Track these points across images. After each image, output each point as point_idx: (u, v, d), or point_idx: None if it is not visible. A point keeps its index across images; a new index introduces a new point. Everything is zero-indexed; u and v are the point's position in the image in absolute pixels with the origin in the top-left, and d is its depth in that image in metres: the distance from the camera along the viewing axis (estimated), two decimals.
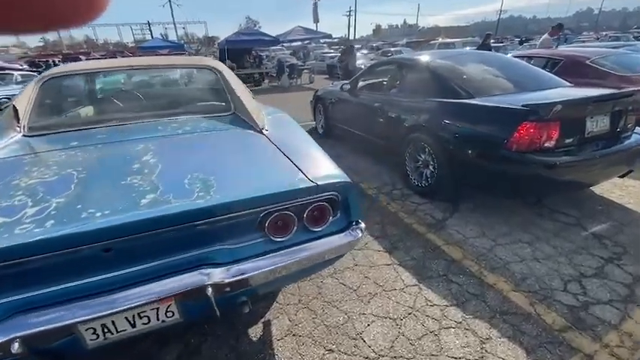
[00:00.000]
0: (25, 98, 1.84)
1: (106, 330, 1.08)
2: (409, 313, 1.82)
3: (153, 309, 1.11)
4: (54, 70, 2.05)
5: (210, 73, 2.31)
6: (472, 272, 2.10)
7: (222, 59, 14.34)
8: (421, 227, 2.65)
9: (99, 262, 1.02)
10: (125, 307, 1.02)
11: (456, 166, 2.77)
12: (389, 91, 3.77)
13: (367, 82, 4.48)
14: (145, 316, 1.11)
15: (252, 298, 1.39)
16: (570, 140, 2.38)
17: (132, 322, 1.10)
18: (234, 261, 1.19)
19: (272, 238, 1.23)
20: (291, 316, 1.85)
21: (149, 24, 56.23)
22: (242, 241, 1.20)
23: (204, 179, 1.21)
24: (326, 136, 5.35)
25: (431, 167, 3.03)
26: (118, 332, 1.10)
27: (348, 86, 4.42)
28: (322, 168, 1.39)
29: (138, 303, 1.03)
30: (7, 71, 9.84)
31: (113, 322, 1.07)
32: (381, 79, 4.31)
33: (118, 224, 0.98)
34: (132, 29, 59.96)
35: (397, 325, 1.75)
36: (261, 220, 1.20)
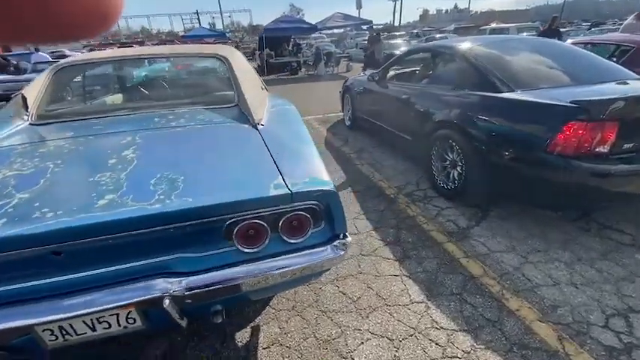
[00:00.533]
0: (35, 87, 1.87)
1: (64, 332, 1.04)
2: (410, 335, 1.63)
3: (112, 315, 1.05)
4: (66, 60, 2.08)
5: (218, 62, 2.21)
6: (492, 293, 1.84)
7: (261, 48, 14.44)
8: (440, 235, 2.39)
9: (50, 265, 0.97)
10: (74, 314, 0.96)
11: (487, 168, 2.45)
12: (419, 81, 3.46)
13: (397, 71, 4.16)
14: (104, 321, 1.05)
15: (228, 308, 1.29)
16: (630, 145, 1.97)
17: (91, 326, 1.05)
18: (199, 271, 1.09)
19: (241, 248, 1.10)
20: (282, 323, 1.74)
21: (197, 13, 58.46)
22: (207, 250, 1.10)
23: (173, 180, 1.12)
24: (353, 128, 5.12)
25: (459, 168, 2.72)
26: (78, 335, 1.06)
27: (377, 76, 4.14)
28: (307, 172, 1.23)
29: (87, 311, 0.97)
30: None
31: (71, 325, 1.03)
32: (411, 69, 3.98)
33: (64, 227, 0.91)
34: (182, 19, 62.78)
35: (395, 346, 1.57)
36: (228, 229, 1.08)
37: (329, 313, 1.78)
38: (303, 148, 1.46)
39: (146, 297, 1.00)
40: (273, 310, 1.82)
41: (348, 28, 25.17)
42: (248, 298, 1.42)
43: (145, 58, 2.29)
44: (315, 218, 1.18)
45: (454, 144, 2.70)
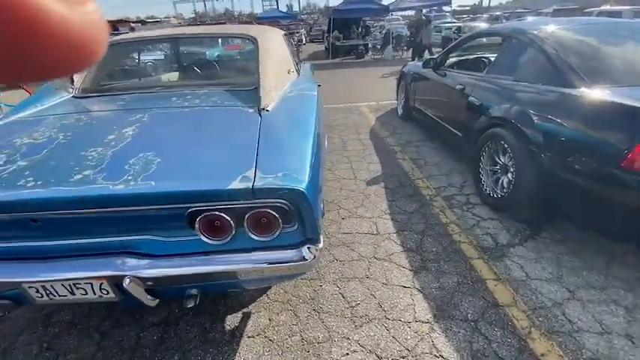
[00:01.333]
0: None
1: (48, 292, 1.12)
2: (403, 357, 1.46)
3: (87, 283, 1.11)
4: (114, 39, 2.24)
5: (249, 42, 2.17)
6: (515, 328, 1.55)
7: (330, 30, 14.25)
8: (471, 250, 2.09)
9: (30, 230, 1.04)
10: (48, 278, 1.03)
11: (543, 178, 2.05)
12: (477, 70, 3.01)
13: (457, 57, 3.70)
14: (81, 287, 1.12)
15: (205, 293, 1.28)
16: None
17: (70, 290, 1.12)
18: (165, 255, 1.08)
19: (204, 238, 1.06)
20: (273, 315, 1.70)
21: None
22: (172, 235, 1.08)
23: (150, 161, 1.11)
24: (404, 118, 4.77)
25: (510, 175, 2.33)
26: (60, 296, 1.14)
27: (434, 62, 3.74)
28: (283, 167, 1.11)
29: (57, 277, 1.03)
30: None
31: (52, 287, 1.11)
32: (473, 55, 3.50)
33: (35, 198, 0.97)
34: (262, 1, 65.04)
35: None
36: (191, 218, 1.04)
37: (322, 315, 1.69)
38: (297, 140, 1.34)
39: (107, 273, 1.02)
40: (268, 300, 1.79)
41: (426, 10, 23.38)
42: (218, 289, 1.40)
43: (181, 38, 2.36)
44: (287, 218, 1.07)
45: (507, 146, 2.31)
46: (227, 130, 1.39)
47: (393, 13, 13.59)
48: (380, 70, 10.48)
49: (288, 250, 1.08)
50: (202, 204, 1.00)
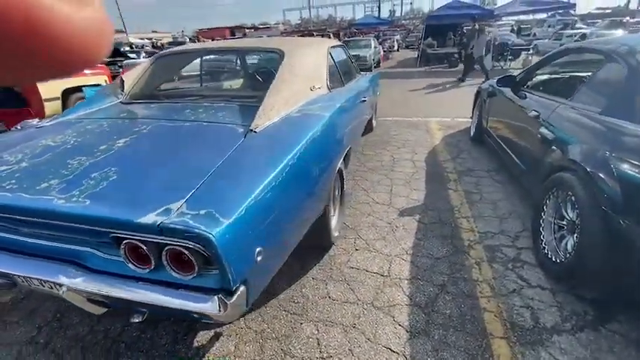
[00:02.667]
0: (135, 72, 2.30)
1: (28, 282, 1.26)
2: None
3: (49, 282, 1.20)
4: (164, 51, 2.47)
5: (276, 56, 2.14)
6: None
7: (423, 37, 13.54)
8: (497, 325, 1.65)
9: (11, 228, 1.17)
10: (18, 273, 1.14)
11: (619, 250, 1.50)
12: (565, 94, 2.39)
13: (547, 76, 3.03)
14: (47, 282, 1.22)
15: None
16: None
17: (40, 284, 1.24)
18: (101, 271, 1.09)
19: (127, 263, 1.03)
20: (241, 343, 1.61)
21: (379, 1, 59.97)
22: (108, 254, 1.09)
23: (104, 179, 1.14)
24: (475, 140, 4.17)
25: (575, 236, 1.78)
26: (36, 286, 1.27)
27: (513, 80, 3.13)
28: (214, 205, 1.00)
29: (23, 274, 1.13)
30: None
31: (29, 278, 1.24)
32: (566, 75, 2.81)
33: (2, 202, 1.07)
34: (364, 7, 65.84)
35: None
36: (117, 242, 1.02)
37: (288, 358, 1.53)
38: (257, 172, 1.20)
39: (51, 279, 1.08)
40: (243, 325, 1.71)
41: (548, 14, 20.26)
42: (154, 311, 1.37)
43: (218, 52, 2.46)
44: (205, 260, 0.97)
45: (574, 198, 1.76)
46: (198, 151, 1.36)
47: (501, 18, 12.10)
48: (470, 81, 9.46)
49: (200, 295, 0.98)
50: (119, 231, 0.97)
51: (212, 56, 2.76)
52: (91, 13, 0.23)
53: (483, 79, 9.78)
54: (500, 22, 19.74)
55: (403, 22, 54.38)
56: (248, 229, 1.01)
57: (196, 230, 0.90)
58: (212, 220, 0.94)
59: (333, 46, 2.93)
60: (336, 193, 2.39)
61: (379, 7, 59.72)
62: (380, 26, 24.41)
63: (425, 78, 10.49)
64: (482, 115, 3.91)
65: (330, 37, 17.69)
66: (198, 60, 2.60)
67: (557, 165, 1.99)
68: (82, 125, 1.71)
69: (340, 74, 2.87)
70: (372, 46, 12.98)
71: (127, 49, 15.35)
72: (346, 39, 15.97)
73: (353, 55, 11.81)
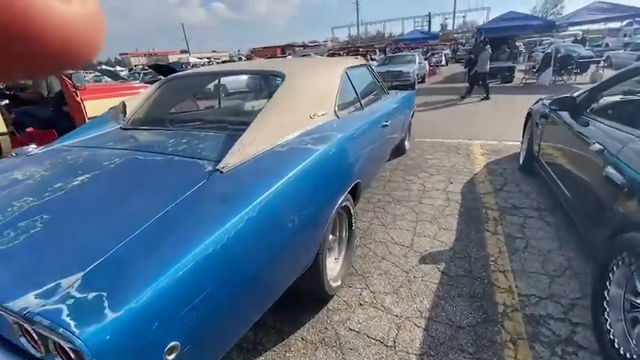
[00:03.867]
0: (140, 96, 2.24)
1: None
2: None
3: None
4: (172, 75, 2.39)
5: (276, 80, 1.93)
6: None
7: (471, 51, 12.72)
8: None
9: None
10: None
11: None
12: (635, 123, 1.86)
13: (613, 98, 2.45)
14: None
15: None
16: None
17: None
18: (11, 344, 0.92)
19: (22, 341, 0.83)
20: None
21: (430, 15, 58.95)
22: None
23: (16, 234, 0.98)
24: (524, 169, 3.57)
25: None
26: None
27: (573, 102, 2.59)
28: (113, 284, 0.76)
29: None
30: None
31: None
32: (636, 98, 2.23)
33: None
34: (414, 22, 65.23)
35: None
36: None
37: None
38: (195, 234, 0.95)
39: None
40: None
41: (624, 23, 18.02)
42: None
43: (223, 75, 2.31)
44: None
45: None
46: (144, 199, 1.15)
47: (561, 29, 10.92)
48: (526, 98, 8.53)
49: None
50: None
51: (217, 80, 2.65)
52: (81, 7, 0.23)
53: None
54: (564, 33, 18.00)
55: (455, 35, 52.61)
56: (152, 319, 0.76)
57: (61, 330, 0.67)
58: (92, 313, 0.70)
59: (352, 67, 2.66)
60: (343, 234, 2.08)
61: (429, 22, 58.49)
62: (428, 41, 23.69)
63: (474, 94, 9.72)
64: (533, 140, 3.33)
65: (366, 54, 17.44)
66: (205, 84, 2.51)
67: (630, 221, 1.48)
68: (61, 156, 1.63)
69: (359, 97, 2.58)
70: (417, 61, 12.48)
71: (189, 67, 16.60)
72: (390, 55, 15.63)
73: (395, 72, 11.48)
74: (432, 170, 3.87)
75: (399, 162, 4.23)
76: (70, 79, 4.87)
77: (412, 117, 4.71)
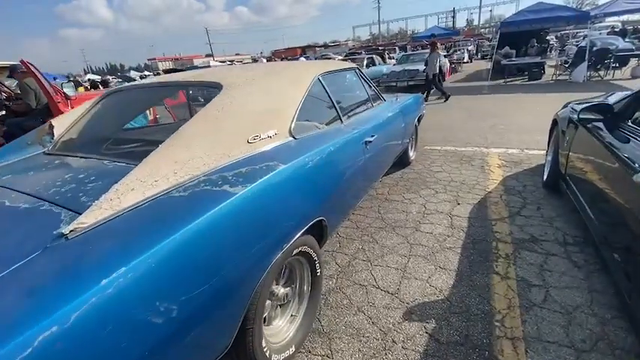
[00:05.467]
0: (71, 115, 1.93)
1: None
2: None
3: None
4: (108, 91, 2.06)
5: (211, 92, 1.54)
6: None
7: (497, 46, 11.83)
8: None
9: None
10: None
11: None
12: None
13: None
14: None
15: None
16: None
17: None
18: None
19: None
20: None
21: (454, 11, 56.95)
22: None
23: None
24: (549, 187, 3.00)
25: None
26: None
27: (610, 110, 2.03)
28: None
29: None
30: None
31: None
32: None
33: None
34: (438, 18, 63.29)
35: None
36: None
37: None
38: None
39: None
40: None
41: None
42: None
43: (160, 88, 1.95)
44: None
45: None
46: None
47: (601, 20, 9.84)
48: (558, 97, 7.71)
49: None
50: None
51: (156, 94, 2.30)
52: None
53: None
54: (600, 24, 16.48)
55: (481, 30, 50.40)
56: None
57: None
58: None
59: (330, 72, 2.23)
60: (304, 286, 1.67)
61: (454, 17, 56.39)
62: (453, 37, 22.58)
63: (494, 94, 8.95)
64: (559, 153, 2.76)
65: (385, 52, 16.63)
66: (148, 97, 2.18)
67: None
68: None
69: (337, 108, 2.15)
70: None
71: None
72: (407, 53, 14.92)
73: (411, 71, 10.82)
74: (438, 187, 3.35)
75: (402, 176, 3.73)
76: (62, 88, 4.78)
77: (419, 122, 4.19)
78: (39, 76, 4.13)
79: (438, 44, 9.18)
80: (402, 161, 3.84)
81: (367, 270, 2.17)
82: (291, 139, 1.59)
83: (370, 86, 2.90)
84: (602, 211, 1.86)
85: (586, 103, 2.50)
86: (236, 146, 1.33)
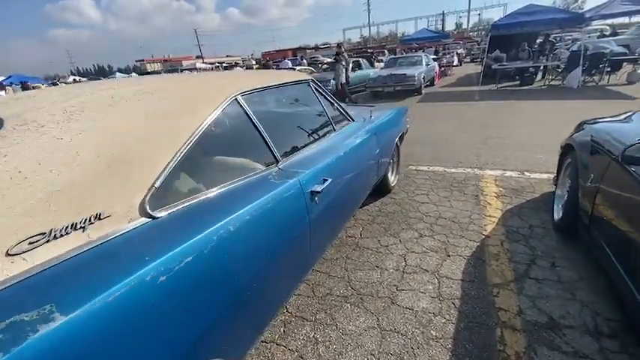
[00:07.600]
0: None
1: None
2: None
3: None
4: None
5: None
6: None
7: (487, 50, 11.32)
8: None
9: None
10: None
11: None
12: None
13: None
14: None
15: None
16: None
17: None
18: None
19: None
20: None
21: (443, 14, 57.15)
22: None
23: None
24: (564, 232, 2.34)
25: None
26: None
27: None
28: None
29: None
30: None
31: None
32: None
33: None
34: (428, 21, 63.45)
35: None
36: None
37: None
38: None
39: None
40: None
41: None
42: None
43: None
44: None
45: None
46: None
47: (591, 22, 9.37)
48: (554, 105, 7.17)
49: None
50: None
51: None
52: None
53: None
54: (587, 27, 16.17)
55: (470, 34, 50.54)
56: None
57: None
58: None
59: (260, 89, 1.52)
60: None
61: (443, 20, 56.45)
62: (442, 40, 22.20)
63: (486, 100, 8.38)
64: (580, 192, 2.09)
65: (373, 55, 16.02)
66: None
67: None
68: None
69: (269, 144, 1.44)
70: (424, 63, 11.17)
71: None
72: (394, 56, 14.33)
73: (398, 75, 10.18)
74: (423, 225, 2.66)
75: (380, 208, 3.04)
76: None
77: (402, 140, 3.51)
78: None
79: (345, 54, 8.80)
80: (380, 189, 3.15)
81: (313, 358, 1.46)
82: (143, 220, 0.87)
83: (332, 103, 2.20)
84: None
85: (608, 121, 1.85)
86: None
